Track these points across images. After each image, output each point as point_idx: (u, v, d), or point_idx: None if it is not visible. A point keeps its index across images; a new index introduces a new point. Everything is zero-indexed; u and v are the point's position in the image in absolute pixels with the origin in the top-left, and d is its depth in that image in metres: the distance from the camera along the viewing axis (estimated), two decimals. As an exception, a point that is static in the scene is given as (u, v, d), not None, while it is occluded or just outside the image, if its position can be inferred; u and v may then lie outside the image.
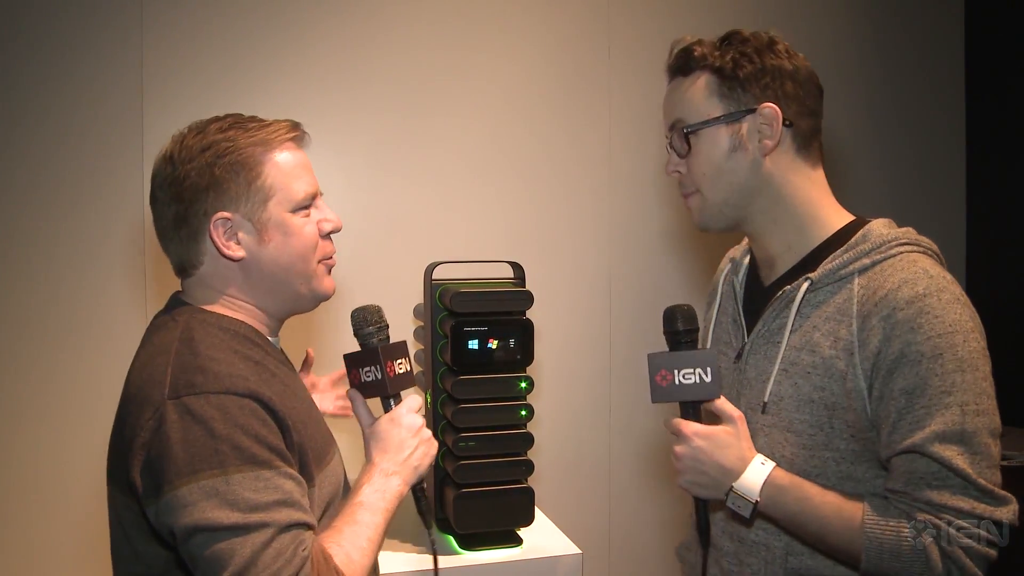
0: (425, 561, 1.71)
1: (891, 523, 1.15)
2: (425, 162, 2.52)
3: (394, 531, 1.84)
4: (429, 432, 1.34)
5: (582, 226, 2.65)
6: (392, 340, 1.37)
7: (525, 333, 1.76)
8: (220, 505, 1.04)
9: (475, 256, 2.04)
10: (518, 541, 1.78)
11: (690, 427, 1.26)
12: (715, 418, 1.30)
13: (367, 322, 1.35)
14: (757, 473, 1.22)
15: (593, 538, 2.63)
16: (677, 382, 1.26)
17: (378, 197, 2.49)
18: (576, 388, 2.62)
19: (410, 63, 2.49)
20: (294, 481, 1.11)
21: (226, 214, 1.21)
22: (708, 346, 1.47)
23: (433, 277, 1.85)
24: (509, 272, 1.93)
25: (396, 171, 2.50)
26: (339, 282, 2.45)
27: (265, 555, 1.03)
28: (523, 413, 1.77)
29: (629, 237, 2.69)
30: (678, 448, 1.27)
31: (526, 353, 1.76)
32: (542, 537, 1.83)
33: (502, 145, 2.57)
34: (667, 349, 1.31)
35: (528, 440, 1.77)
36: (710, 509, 1.33)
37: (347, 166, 2.47)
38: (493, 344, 1.73)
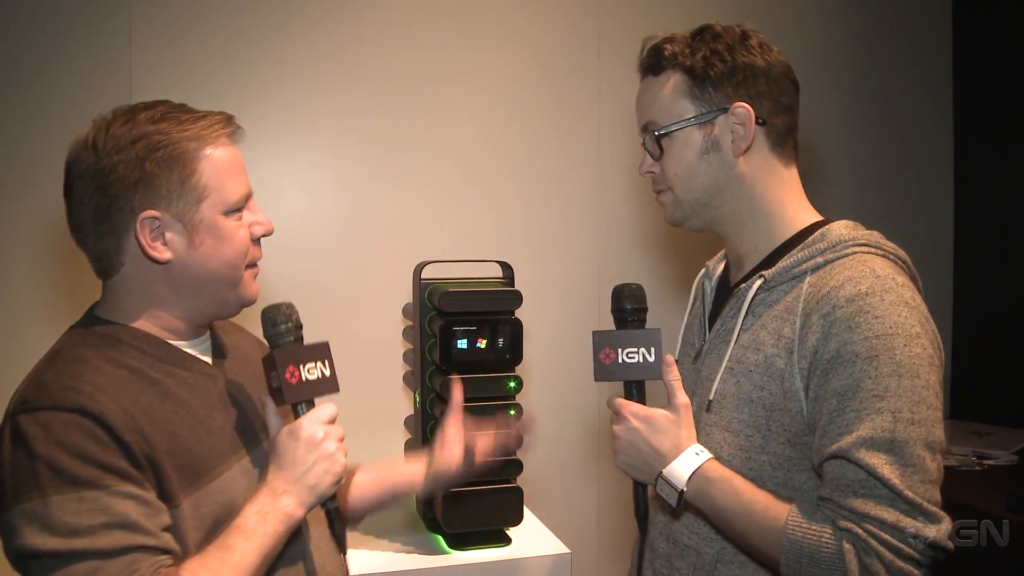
0: (412, 560, 1.71)
1: (813, 527, 1.10)
2: (414, 162, 2.51)
3: (381, 530, 1.84)
4: (334, 446, 1.17)
5: (572, 226, 2.65)
6: (316, 341, 1.24)
7: (514, 333, 1.76)
8: (40, 530, 0.96)
9: (464, 256, 2.04)
10: (507, 540, 1.79)
11: (629, 407, 1.23)
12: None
13: (274, 322, 1.21)
14: (688, 462, 1.18)
15: (582, 538, 2.63)
16: (620, 360, 1.24)
17: (367, 197, 2.48)
18: (565, 388, 2.62)
19: (400, 64, 2.49)
20: (135, 501, 1.01)
21: (155, 213, 1.11)
22: (678, 351, 1.45)
23: (422, 277, 1.85)
24: (498, 272, 1.93)
25: (385, 171, 2.49)
26: (329, 282, 2.47)
27: None
28: (512, 413, 1.77)
29: (619, 237, 2.70)
30: (616, 427, 1.24)
31: (515, 353, 1.77)
32: (531, 536, 1.83)
33: (492, 145, 2.57)
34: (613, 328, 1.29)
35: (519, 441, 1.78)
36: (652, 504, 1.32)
37: (337, 166, 2.46)
38: (482, 344, 1.74)
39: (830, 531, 1.09)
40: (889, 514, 1.05)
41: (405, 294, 1.97)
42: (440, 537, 1.80)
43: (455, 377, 1.55)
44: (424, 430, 1.85)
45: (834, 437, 1.09)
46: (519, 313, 1.78)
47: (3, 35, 2.19)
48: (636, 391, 1.26)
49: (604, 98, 2.66)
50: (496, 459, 1.51)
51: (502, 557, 1.74)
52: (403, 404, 2.36)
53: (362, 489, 1.48)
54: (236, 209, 1.18)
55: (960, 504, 2.05)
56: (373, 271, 2.44)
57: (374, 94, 2.46)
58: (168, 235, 1.13)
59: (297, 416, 1.20)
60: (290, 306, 1.23)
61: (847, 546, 1.07)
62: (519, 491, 1.78)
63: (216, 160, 1.15)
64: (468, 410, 1.73)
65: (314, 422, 1.17)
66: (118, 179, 1.11)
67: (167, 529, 1.05)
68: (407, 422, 2.07)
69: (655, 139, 1.29)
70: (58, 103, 2.22)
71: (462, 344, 1.72)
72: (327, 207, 2.45)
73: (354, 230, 2.47)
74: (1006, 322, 2.88)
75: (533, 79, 2.60)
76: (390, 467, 1.54)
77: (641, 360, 1.24)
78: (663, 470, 1.20)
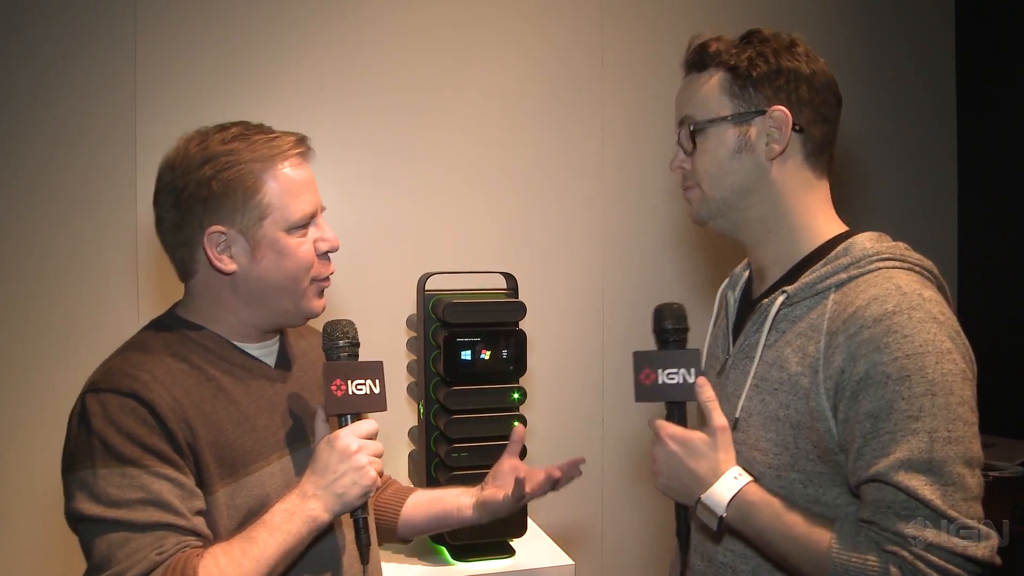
0: (416, 572, 1.71)
1: (858, 552, 1.08)
2: (419, 173, 2.52)
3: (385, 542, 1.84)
4: (366, 459, 1.22)
5: (575, 237, 2.66)
6: (369, 359, 1.30)
7: (518, 344, 1.76)
8: (88, 497, 1.09)
9: (468, 267, 2.04)
10: (510, 552, 1.78)
11: (667, 429, 1.22)
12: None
13: (332, 336, 1.28)
14: (727, 487, 1.17)
15: (586, 549, 2.62)
16: (661, 381, 1.24)
17: (372, 208, 2.49)
18: (569, 399, 2.62)
19: (404, 74, 2.50)
20: (172, 483, 1.11)
21: (221, 228, 1.21)
22: (703, 362, 1.41)
23: (426, 288, 1.85)
24: (502, 283, 1.93)
25: (390, 182, 2.50)
26: (333, 292, 2.46)
27: (119, 553, 1.06)
28: (516, 424, 1.77)
29: (622, 247, 2.70)
30: (655, 450, 1.24)
31: (519, 364, 1.77)
32: (534, 548, 1.83)
33: (496, 156, 2.58)
34: (655, 348, 1.28)
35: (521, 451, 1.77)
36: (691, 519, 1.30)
37: (341, 177, 2.47)
38: (486, 355, 1.74)
39: (875, 556, 1.07)
40: (935, 535, 1.03)
41: (409, 305, 1.98)
42: (444, 548, 1.80)
43: (518, 425, 1.58)
44: (428, 441, 1.85)
45: (870, 460, 1.08)
46: (523, 324, 1.78)
47: (7, 45, 2.21)
48: (677, 412, 1.25)
49: (607, 108, 2.66)
50: (542, 493, 1.51)
51: (506, 569, 1.74)
52: (407, 415, 2.36)
53: (414, 510, 1.54)
54: (301, 226, 1.26)
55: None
56: (376, 282, 2.45)
57: (377, 104, 2.47)
58: (233, 249, 1.23)
59: (340, 427, 1.26)
60: (350, 323, 1.30)
61: (894, 570, 1.05)
62: (523, 502, 1.78)
63: (281, 180, 1.24)
64: (472, 421, 1.73)
65: (350, 434, 1.24)
66: (189, 196, 1.21)
67: (201, 514, 1.14)
68: (411, 433, 2.06)
69: (689, 133, 1.28)
70: (62, 111, 2.24)
71: (466, 355, 1.73)
72: (331, 217, 2.44)
73: (358, 240, 2.47)
74: (1011, 333, 2.88)
75: (536, 89, 2.61)
76: (441, 493, 1.57)
77: (682, 381, 1.23)
78: (702, 495, 1.18)
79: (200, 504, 1.14)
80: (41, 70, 2.23)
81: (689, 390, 1.23)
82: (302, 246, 1.26)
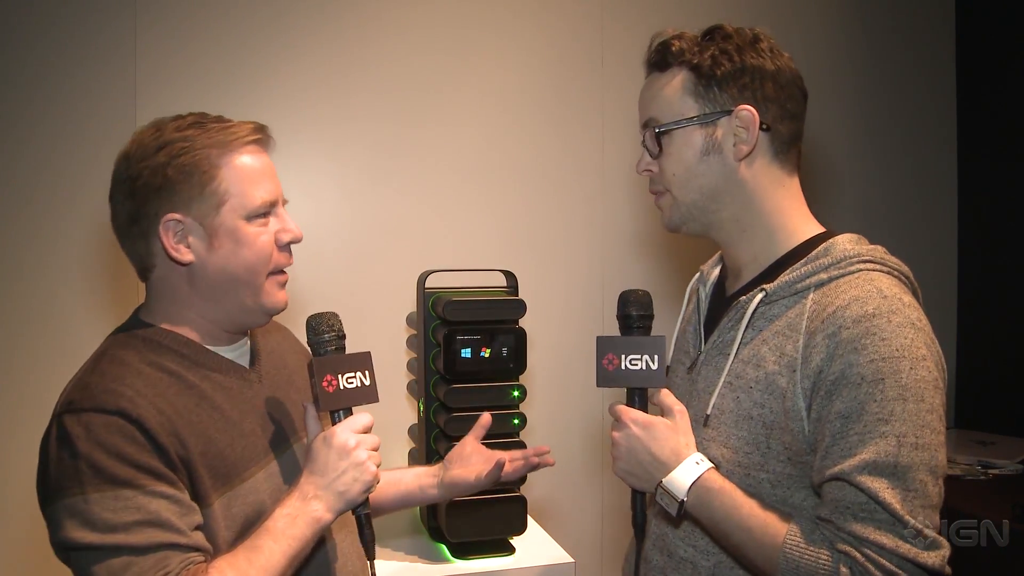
0: (416, 570, 1.71)
1: (811, 548, 1.08)
2: (419, 170, 2.52)
3: (385, 539, 1.84)
4: (365, 455, 1.20)
5: (576, 234, 2.66)
6: (356, 351, 1.26)
7: (518, 341, 1.76)
8: (80, 525, 1.03)
9: (468, 264, 2.04)
10: (510, 550, 1.78)
11: (629, 414, 1.22)
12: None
13: (317, 330, 1.24)
14: (689, 471, 1.17)
15: (585, 546, 2.62)
16: (623, 367, 1.24)
17: (371, 205, 2.49)
18: (569, 397, 2.62)
19: (404, 71, 2.50)
20: (168, 500, 1.06)
21: (176, 216, 1.16)
22: (670, 357, 1.42)
23: (426, 286, 1.85)
24: (502, 281, 1.93)
25: (390, 179, 2.50)
26: (333, 290, 2.47)
27: None
28: (516, 422, 1.77)
29: (622, 245, 2.70)
30: (615, 434, 1.23)
31: (519, 362, 1.77)
32: (534, 545, 1.83)
33: (496, 154, 2.58)
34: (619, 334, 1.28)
35: (521, 449, 1.77)
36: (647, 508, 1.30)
37: (340, 174, 2.47)
38: (486, 353, 1.74)
39: (827, 554, 1.07)
40: (888, 539, 1.04)
41: (409, 303, 1.98)
42: (444, 546, 1.80)
43: (486, 414, 1.61)
44: (428, 439, 1.85)
45: (836, 459, 1.08)
46: (523, 322, 1.78)
47: (7, 43, 2.21)
48: (638, 398, 1.25)
49: (607, 106, 2.67)
50: (516, 477, 1.54)
51: (506, 566, 1.73)
52: (407, 413, 2.36)
53: (375, 492, 1.51)
54: (261, 215, 1.21)
55: (964, 513, 2.05)
56: (377, 280, 2.45)
57: (377, 102, 2.47)
58: (190, 238, 1.18)
59: (334, 423, 1.23)
60: (334, 315, 1.26)
61: (844, 570, 1.05)
62: (523, 500, 1.78)
63: (239, 167, 1.19)
64: (471, 418, 1.73)
65: (347, 430, 1.21)
66: (144, 185, 1.16)
67: (199, 528, 1.10)
68: (411, 431, 2.07)
69: (655, 136, 1.26)
70: (62, 109, 2.24)
71: (466, 353, 1.73)
72: (330, 215, 2.46)
73: (358, 238, 2.47)
74: (1010, 331, 2.88)
75: (537, 87, 2.61)
76: (399, 475, 1.58)
77: (644, 368, 1.23)
78: (663, 479, 1.18)
79: (198, 519, 1.10)
80: (41, 67, 2.23)
81: (650, 377, 1.23)
82: (261, 236, 1.21)
